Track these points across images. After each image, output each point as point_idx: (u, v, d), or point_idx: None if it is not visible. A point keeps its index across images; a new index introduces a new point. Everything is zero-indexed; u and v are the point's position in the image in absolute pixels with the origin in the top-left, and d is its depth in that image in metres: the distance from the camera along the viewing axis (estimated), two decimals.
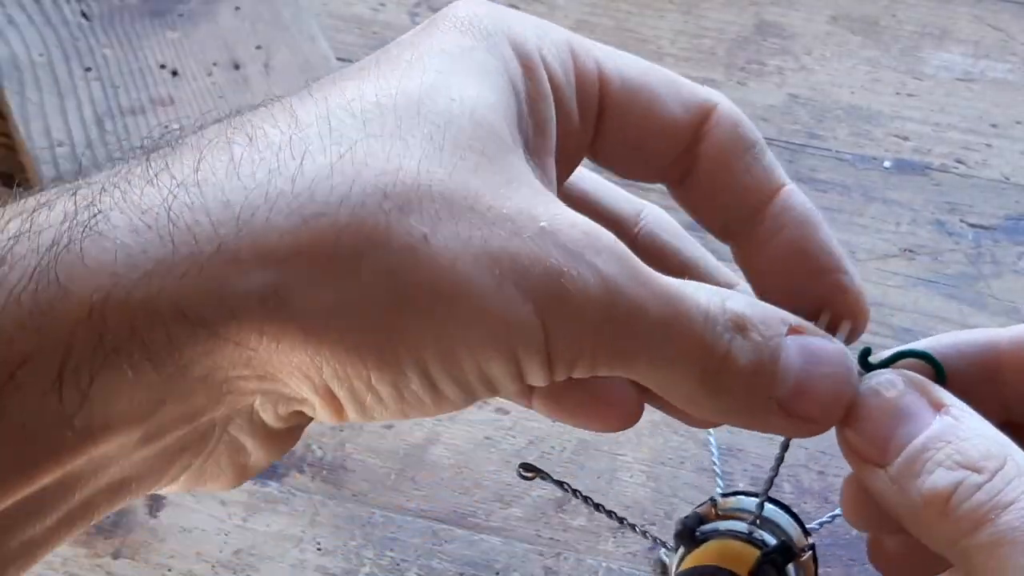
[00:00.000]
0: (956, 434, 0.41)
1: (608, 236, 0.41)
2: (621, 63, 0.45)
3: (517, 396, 0.44)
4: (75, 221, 0.37)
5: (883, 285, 0.68)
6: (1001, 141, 0.73)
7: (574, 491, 0.50)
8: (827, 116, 0.75)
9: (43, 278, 0.36)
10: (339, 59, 0.74)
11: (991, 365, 0.45)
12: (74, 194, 0.38)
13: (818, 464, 0.62)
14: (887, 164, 0.73)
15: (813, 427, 0.43)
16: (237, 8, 0.75)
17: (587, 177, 0.48)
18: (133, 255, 0.37)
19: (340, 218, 0.38)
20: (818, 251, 0.46)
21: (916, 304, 0.67)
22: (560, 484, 0.50)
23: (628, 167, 0.47)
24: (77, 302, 0.36)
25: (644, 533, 0.52)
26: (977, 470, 0.40)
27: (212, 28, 0.74)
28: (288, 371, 0.39)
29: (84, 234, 0.37)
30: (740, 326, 0.42)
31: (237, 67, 0.73)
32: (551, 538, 0.59)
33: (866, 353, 0.44)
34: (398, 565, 0.59)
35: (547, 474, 0.49)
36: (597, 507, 0.50)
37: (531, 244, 0.39)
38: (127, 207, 0.37)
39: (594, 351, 0.41)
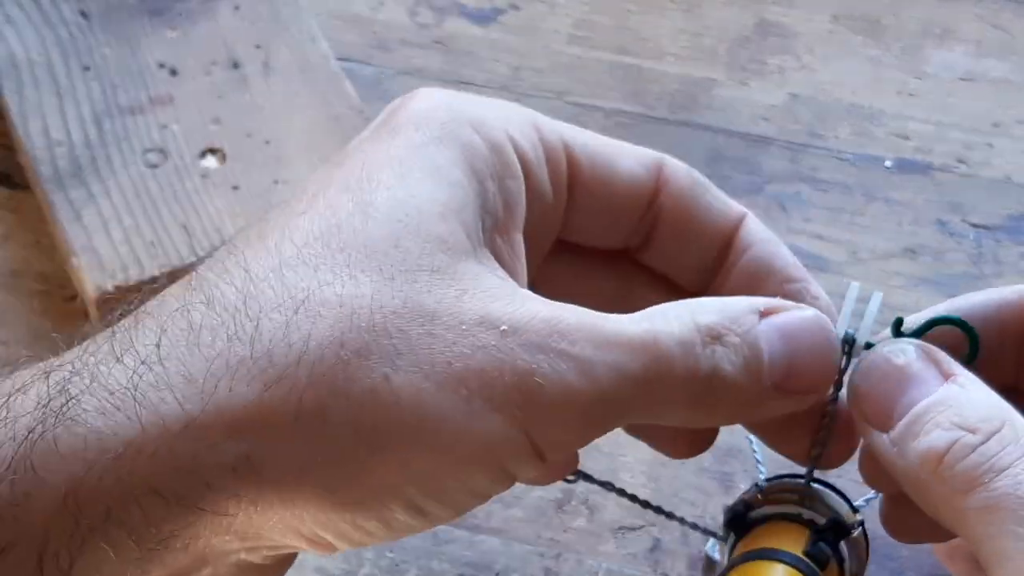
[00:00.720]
0: (959, 399, 0.42)
1: (571, 315, 0.42)
2: (581, 136, 0.47)
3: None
4: (48, 408, 0.39)
5: (885, 285, 0.68)
6: (1003, 140, 0.73)
7: (619, 490, 0.50)
8: (828, 115, 0.74)
9: (20, 467, 0.38)
10: (339, 58, 0.74)
11: (1019, 321, 0.46)
12: (47, 377, 0.39)
13: None
14: (889, 163, 0.73)
15: (811, 397, 0.44)
16: (236, 7, 0.75)
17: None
18: (104, 439, 0.38)
19: (300, 379, 0.39)
20: (783, 266, 0.48)
21: (918, 304, 0.67)
22: (604, 484, 0.50)
23: (598, 234, 0.48)
24: (52, 490, 0.38)
25: (695, 526, 0.52)
26: (972, 431, 0.41)
27: (211, 27, 0.74)
28: (270, 528, 0.40)
29: (57, 422, 0.38)
30: (715, 336, 0.42)
31: (236, 66, 0.73)
32: (551, 539, 0.59)
33: (899, 323, 0.45)
34: (397, 566, 0.58)
35: (589, 475, 0.49)
36: (645, 504, 0.51)
37: (495, 353, 0.40)
38: (97, 389, 0.39)
39: (584, 430, 0.42)
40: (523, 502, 0.60)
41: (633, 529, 0.59)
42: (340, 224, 0.41)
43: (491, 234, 0.43)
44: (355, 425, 0.39)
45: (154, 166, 0.69)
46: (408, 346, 0.40)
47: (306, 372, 0.39)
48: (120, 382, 0.39)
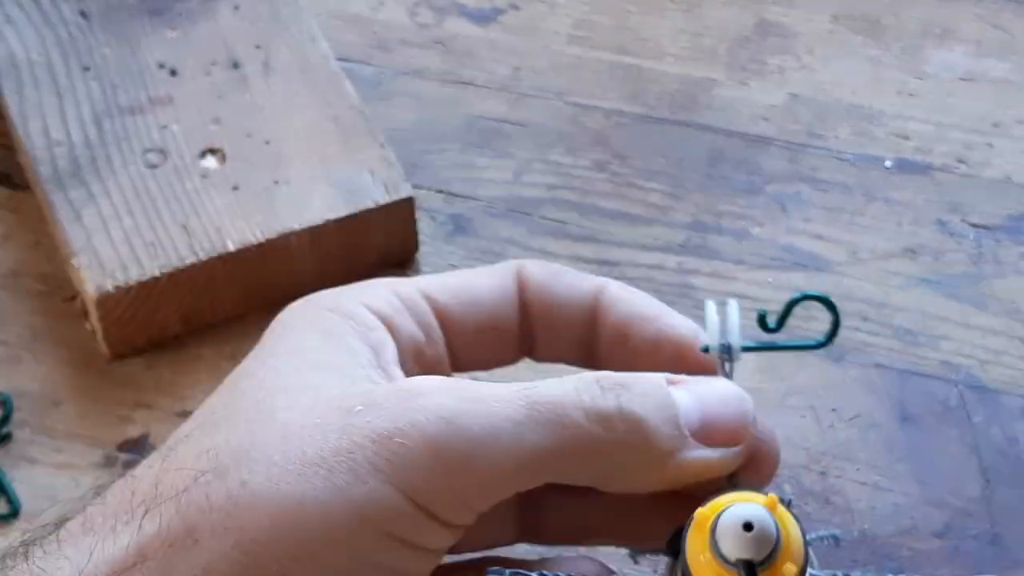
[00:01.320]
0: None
1: (435, 380, 0.44)
2: (437, 280, 0.51)
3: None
4: None
5: (885, 285, 0.68)
6: (1003, 141, 0.73)
7: None
8: (828, 115, 0.74)
9: None
10: (338, 58, 0.74)
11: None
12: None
13: (819, 465, 0.62)
14: (888, 164, 0.73)
15: (733, 451, 0.46)
16: (236, 7, 0.75)
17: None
18: None
19: (168, 511, 0.43)
20: (640, 310, 0.51)
21: (918, 304, 0.67)
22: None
23: (486, 356, 0.52)
24: None
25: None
26: None
27: (211, 27, 0.74)
28: None
29: None
30: (620, 383, 0.45)
31: (236, 66, 0.73)
32: None
33: (762, 316, 0.48)
34: None
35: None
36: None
37: (350, 431, 0.42)
38: None
39: (472, 483, 0.43)
40: None
41: None
42: (209, 404, 0.47)
43: (368, 371, 0.46)
44: (223, 534, 0.42)
45: (154, 166, 0.69)
46: (264, 454, 0.42)
47: (172, 506, 0.43)
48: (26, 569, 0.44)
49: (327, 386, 0.44)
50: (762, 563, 0.43)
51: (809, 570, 0.46)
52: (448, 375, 0.50)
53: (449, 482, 0.43)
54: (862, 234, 0.70)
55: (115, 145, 0.70)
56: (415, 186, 0.70)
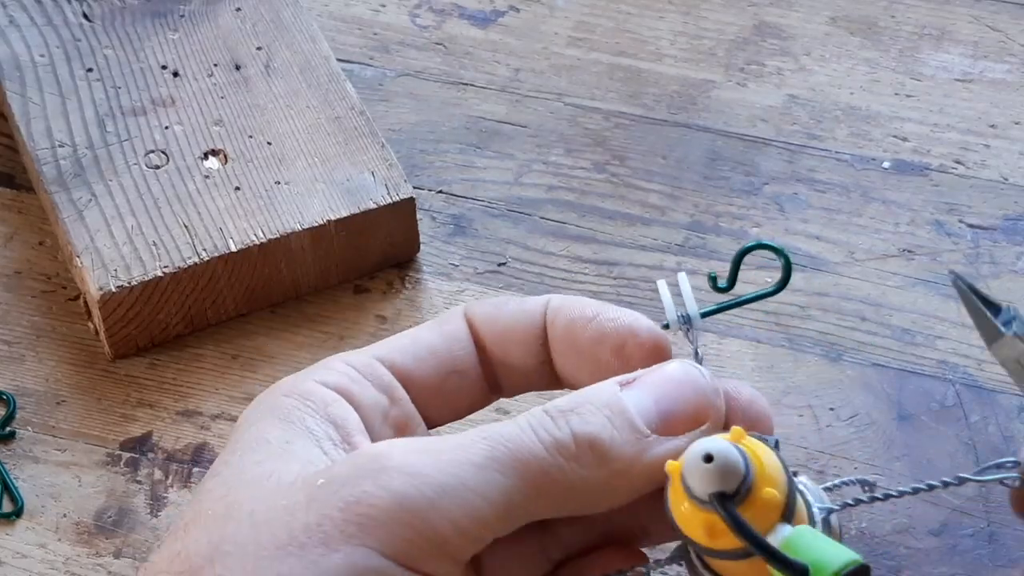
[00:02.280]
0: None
1: (397, 442, 0.44)
2: (387, 345, 0.50)
3: None
4: None
5: (882, 285, 0.68)
6: (999, 142, 0.74)
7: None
8: (826, 117, 0.75)
9: None
10: (339, 60, 0.74)
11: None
12: None
13: (817, 464, 0.63)
14: (886, 165, 0.73)
15: (700, 431, 0.45)
16: (238, 9, 0.75)
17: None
18: None
19: None
20: (580, 313, 0.49)
21: (915, 304, 0.67)
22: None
23: (453, 410, 0.51)
24: None
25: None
26: None
27: (213, 29, 0.75)
28: None
29: None
30: (567, 411, 0.44)
31: (238, 68, 0.73)
32: None
33: (713, 277, 0.48)
34: None
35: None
36: None
37: (316, 505, 0.42)
38: None
39: (453, 533, 0.43)
40: None
41: None
42: (181, 513, 0.48)
43: (335, 447, 0.46)
44: None
45: (156, 167, 0.69)
46: (236, 546, 0.42)
47: None
48: None
49: (288, 471, 0.44)
50: (736, 493, 0.42)
51: (817, 505, 0.44)
52: (425, 432, 0.50)
53: (422, 533, 0.42)
54: (860, 234, 0.70)
55: (118, 146, 0.70)
56: (416, 187, 0.71)
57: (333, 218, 0.67)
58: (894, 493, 0.47)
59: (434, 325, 0.50)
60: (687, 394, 0.45)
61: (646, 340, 0.47)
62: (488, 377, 0.50)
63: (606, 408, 0.45)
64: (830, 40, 0.78)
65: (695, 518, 0.42)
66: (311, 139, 0.70)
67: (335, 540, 0.42)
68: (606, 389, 0.45)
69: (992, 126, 0.74)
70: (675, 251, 0.70)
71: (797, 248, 0.69)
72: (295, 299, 0.69)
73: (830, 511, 0.45)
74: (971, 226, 0.70)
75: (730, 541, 0.42)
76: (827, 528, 0.45)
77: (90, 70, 0.73)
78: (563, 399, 0.45)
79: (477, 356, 0.50)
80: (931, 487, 0.47)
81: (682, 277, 0.48)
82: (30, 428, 0.65)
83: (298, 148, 0.70)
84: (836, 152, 0.73)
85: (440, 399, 0.50)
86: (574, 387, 0.48)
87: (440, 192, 0.73)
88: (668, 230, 0.71)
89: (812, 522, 0.44)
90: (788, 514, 0.42)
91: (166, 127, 0.71)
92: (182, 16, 0.75)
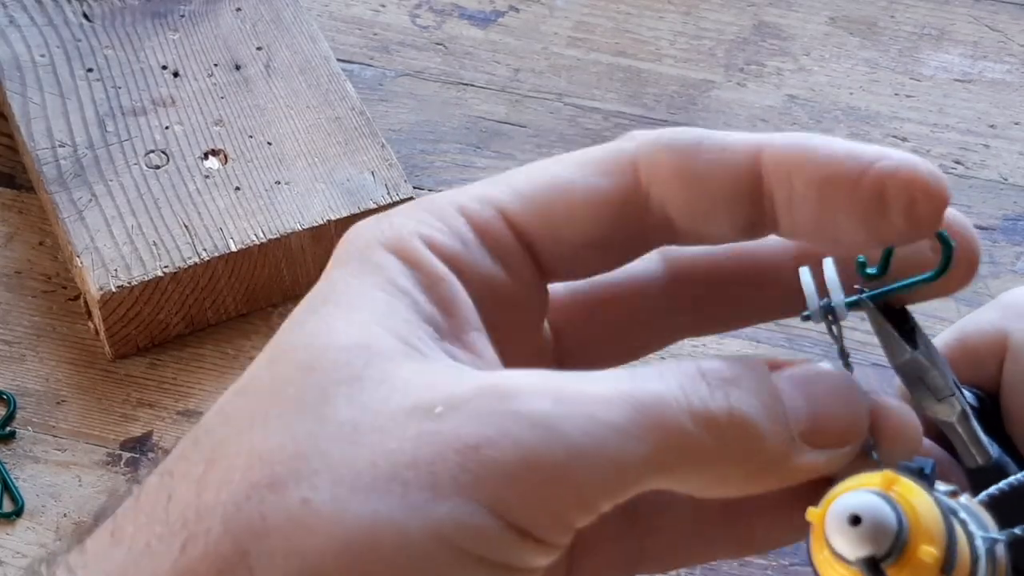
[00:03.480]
0: None
1: (524, 377, 0.37)
2: (513, 189, 0.41)
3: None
4: None
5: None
6: (999, 142, 0.74)
7: None
8: (825, 117, 0.75)
9: None
10: (340, 60, 0.75)
11: None
12: None
13: None
14: None
15: (844, 452, 0.40)
16: (238, 9, 0.75)
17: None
18: None
19: (214, 532, 0.36)
20: (827, 156, 0.39)
21: (914, 304, 0.67)
22: None
23: (591, 265, 0.43)
24: None
25: None
26: None
27: (213, 29, 0.75)
28: None
29: None
30: (726, 378, 0.38)
31: (238, 68, 0.73)
32: None
33: (862, 263, 0.41)
34: None
35: None
36: None
37: (428, 439, 0.36)
38: None
39: (572, 497, 0.37)
40: None
41: None
42: (253, 374, 0.39)
43: (442, 343, 0.39)
44: (283, 562, 0.36)
45: (156, 167, 0.69)
46: (327, 464, 0.36)
47: (219, 524, 0.36)
48: None
49: (395, 374, 0.38)
50: (888, 555, 0.37)
51: (980, 535, 0.39)
52: (542, 314, 0.42)
53: (544, 496, 0.37)
54: None
55: (118, 146, 0.70)
56: (416, 187, 0.71)
57: (333, 218, 0.68)
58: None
59: (587, 167, 0.41)
60: (839, 408, 0.40)
61: (937, 194, 0.39)
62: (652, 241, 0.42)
63: (764, 393, 0.39)
64: (830, 40, 0.78)
65: (839, 571, 0.38)
66: (311, 139, 0.70)
67: (444, 487, 0.36)
68: (759, 370, 0.39)
69: (991, 126, 0.74)
70: None
71: None
72: (295, 299, 0.69)
73: (994, 541, 0.40)
74: None
75: None
76: (991, 562, 0.40)
77: (90, 70, 0.73)
78: (719, 362, 0.39)
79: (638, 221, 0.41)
80: None
81: (828, 263, 0.41)
82: (30, 428, 0.65)
83: (298, 148, 0.70)
84: None
85: (572, 265, 0.42)
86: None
87: (440, 192, 0.73)
88: None
89: (974, 560, 0.39)
90: (948, 568, 0.38)
91: (166, 127, 0.71)
92: (182, 16, 0.75)
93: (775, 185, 0.40)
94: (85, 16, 0.75)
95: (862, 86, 0.76)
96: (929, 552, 0.37)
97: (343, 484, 0.36)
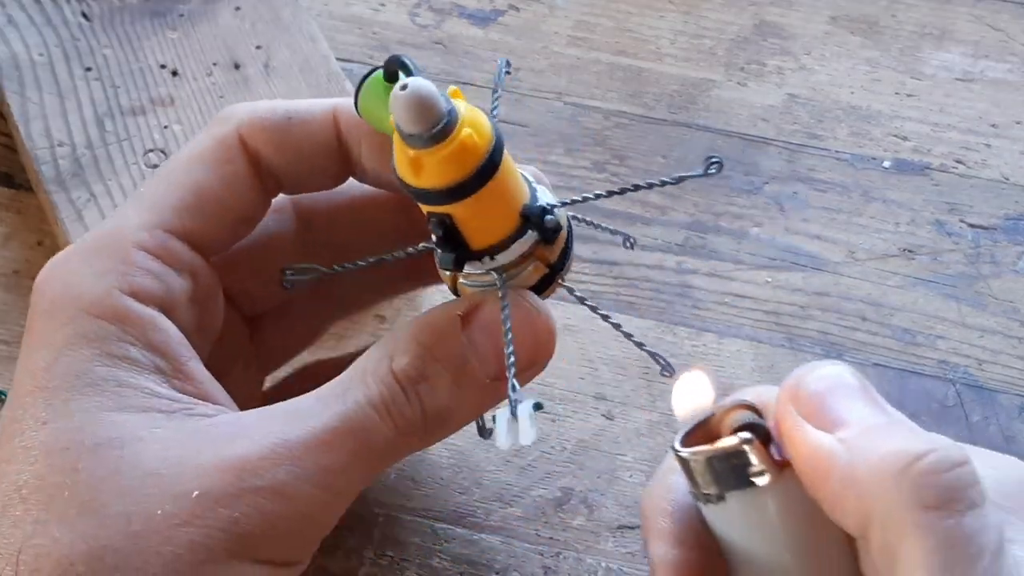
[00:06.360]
0: (915, 427, 0.42)
1: (257, 445, 0.43)
2: (167, 203, 0.49)
3: None
4: None
5: (882, 285, 0.68)
6: (1000, 141, 0.73)
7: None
8: (826, 116, 0.75)
9: None
10: (339, 59, 0.74)
11: None
12: None
13: None
14: (886, 164, 0.73)
15: (535, 370, 0.47)
16: (237, 8, 0.75)
17: None
18: None
19: None
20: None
21: (915, 304, 0.67)
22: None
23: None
24: None
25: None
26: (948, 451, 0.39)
27: (212, 28, 0.75)
28: None
29: None
30: (416, 377, 0.45)
31: (237, 67, 0.73)
32: (551, 537, 0.59)
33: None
34: (398, 564, 0.59)
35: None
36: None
37: (199, 521, 0.42)
38: None
39: (322, 530, 0.46)
40: (522, 501, 0.60)
41: (632, 528, 0.60)
42: (22, 472, 0.44)
43: (170, 382, 0.45)
44: None
45: (155, 166, 0.69)
46: (118, 558, 0.42)
47: None
48: None
49: (139, 448, 0.43)
50: (440, 133, 0.43)
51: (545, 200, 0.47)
52: (219, 302, 0.49)
53: (297, 543, 0.44)
54: (860, 234, 0.70)
55: (117, 145, 0.70)
56: None
57: None
58: (604, 194, 0.50)
59: (208, 163, 0.49)
60: (529, 340, 0.47)
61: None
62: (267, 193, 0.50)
63: (451, 365, 0.45)
64: (830, 39, 0.78)
65: (403, 157, 0.44)
66: None
67: (220, 557, 0.42)
68: (450, 336, 0.46)
69: (993, 125, 0.74)
70: (675, 251, 0.70)
71: (797, 248, 0.69)
72: None
73: (552, 206, 0.48)
74: (972, 226, 0.70)
75: (431, 178, 0.44)
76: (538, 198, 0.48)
77: (89, 69, 0.73)
78: (411, 356, 0.45)
79: (262, 193, 0.49)
80: (651, 185, 0.51)
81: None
82: None
83: None
84: (836, 151, 0.73)
85: (244, 260, 0.51)
86: (380, 183, 0.49)
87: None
88: (668, 229, 0.70)
89: (533, 197, 0.47)
90: (495, 160, 0.45)
91: (165, 126, 0.71)
92: (181, 15, 0.75)
93: (351, 144, 0.49)
94: (84, 15, 0.75)
95: (863, 85, 0.76)
96: (468, 133, 0.43)
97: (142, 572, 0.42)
